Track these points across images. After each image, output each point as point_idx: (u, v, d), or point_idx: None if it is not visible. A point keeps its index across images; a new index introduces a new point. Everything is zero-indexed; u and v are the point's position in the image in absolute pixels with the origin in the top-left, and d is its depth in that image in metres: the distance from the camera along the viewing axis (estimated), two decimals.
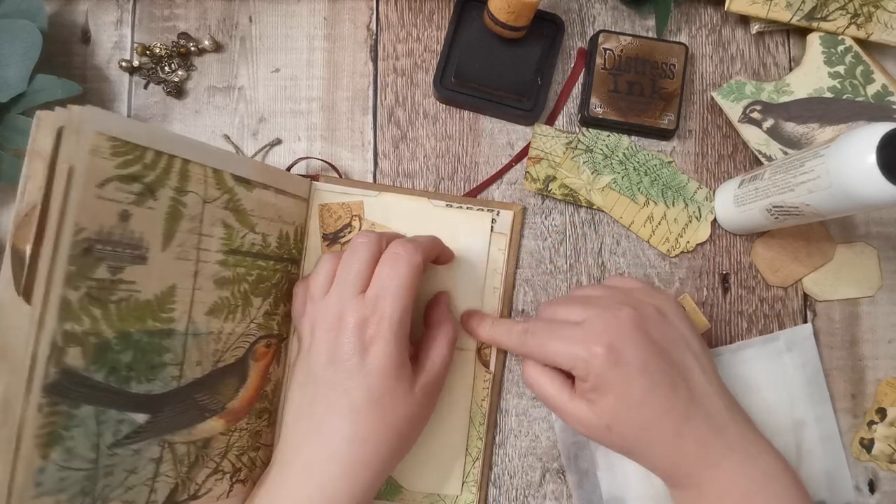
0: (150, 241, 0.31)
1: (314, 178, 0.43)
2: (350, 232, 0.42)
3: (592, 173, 0.44)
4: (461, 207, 0.43)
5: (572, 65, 0.46)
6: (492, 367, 0.42)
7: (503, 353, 0.43)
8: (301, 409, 0.35)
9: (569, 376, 0.36)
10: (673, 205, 0.44)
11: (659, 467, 0.35)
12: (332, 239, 0.42)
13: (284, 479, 0.34)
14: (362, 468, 0.33)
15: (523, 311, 0.44)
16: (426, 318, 0.40)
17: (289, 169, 0.43)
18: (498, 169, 0.45)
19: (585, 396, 0.34)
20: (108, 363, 0.30)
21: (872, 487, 0.43)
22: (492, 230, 0.43)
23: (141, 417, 0.32)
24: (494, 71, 0.44)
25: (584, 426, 0.35)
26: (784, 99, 0.44)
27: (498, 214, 0.43)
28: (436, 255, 0.38)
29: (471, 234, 0.43)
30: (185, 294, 0.34)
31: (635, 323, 0.34)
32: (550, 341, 0.35)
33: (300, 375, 0.36)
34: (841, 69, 0.44)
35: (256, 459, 0.39)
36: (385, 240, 0.36)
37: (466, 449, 0.41)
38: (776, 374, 0.43)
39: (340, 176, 0.44)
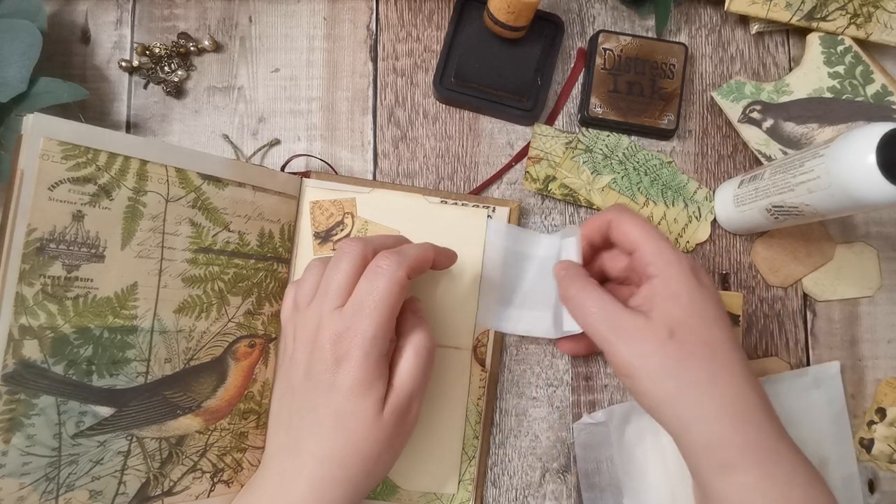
0: (107, 240, 0.33)
1: (305, 174, 0.42)
2: (342, 230, 0.42)
3: (592, 173, 0.44)
4: (456, 204, 0.43)
5: (572, 65, 0.46)
6: (487, 366, 0.42)
7: (499, 351, 0.43)
8: (280, 419, 0.35)
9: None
10: (673, 205, 0.44)
11: (711, 419, 0.31)
12: (324, 237, 0.42)
13: (259, 488, 0.34)
14: (331, 487, 0.32)
15: None
16: (398, 325, 0.36)
17: (283, 167, 0.43)
18: (498, 169, 0.45)
19: (643, 306, 0.33)
20: (67, 357, 0.32)
21: (872, 487, 0.43)
22: (487, 227, 0.43)
23: (105, 410, 0.33)
24: (494, 71, 0.44)
25: (638, 335, 0.32)
26: (784, 99, 0.44)
27: (493, 211, 0.43)
28: (427, 266, 0.36)
29: (466, 230, 0.42)
30: (150, 292, 0.35)
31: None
32: (640, 222, 0.35)
33: (282, 384, 0.36)
34: (840, 69, 0.45)
35: (242, 461, 0.39)
36: (372, 248, 0.34)
37: (463, 448, 0.41)
38: (805, 410, 0.42)
39: (336, 172, 0.44)
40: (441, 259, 0.37)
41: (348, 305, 0.33)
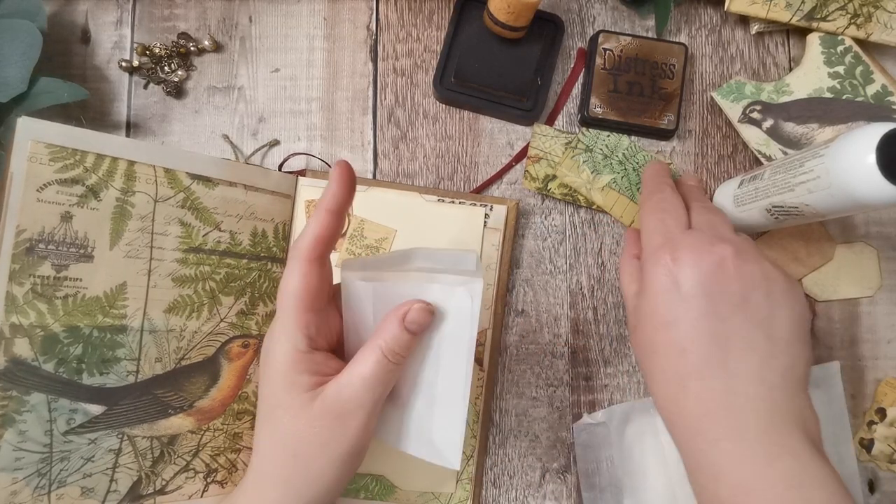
0: (95, 241, 0.34)
1: (300, 173, 0.42)
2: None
3: (592, 173, 0.44)
4: (454, 202, 0.43)
5: (572, 65, 0.46)
6: (485, 366, 0.42)
7: (496, 352, 0.43)
8: None
9: None
10: None
11: (661, 411, 0.33)
12: None
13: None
14: (266, 483, 0.29)
15: (523, 310, 0.44)
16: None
17: (280, 166, 0.43)
18: (498, 169, 0.45)
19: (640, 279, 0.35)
20: (57, 355, 0.32)
21: (872, 487, 0.43)
22: (485, 225, 0.43)
23: (95, 408, 0.34)
24: (494, 71, 0.44)
25: (629, 307, 0.36)
26: (784, 99, 0.44)
27: (491, 209, 0.43)
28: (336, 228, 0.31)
29: (463, 229, 0.42)
30: (139, 291, 0.35)
31: (724, 260, 0.32)
32: (650, 213, 0.36)
33: None
34: (840, 69, 0.44)
35: (237, 462, 0.38)
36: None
37: None
38: None
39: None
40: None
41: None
